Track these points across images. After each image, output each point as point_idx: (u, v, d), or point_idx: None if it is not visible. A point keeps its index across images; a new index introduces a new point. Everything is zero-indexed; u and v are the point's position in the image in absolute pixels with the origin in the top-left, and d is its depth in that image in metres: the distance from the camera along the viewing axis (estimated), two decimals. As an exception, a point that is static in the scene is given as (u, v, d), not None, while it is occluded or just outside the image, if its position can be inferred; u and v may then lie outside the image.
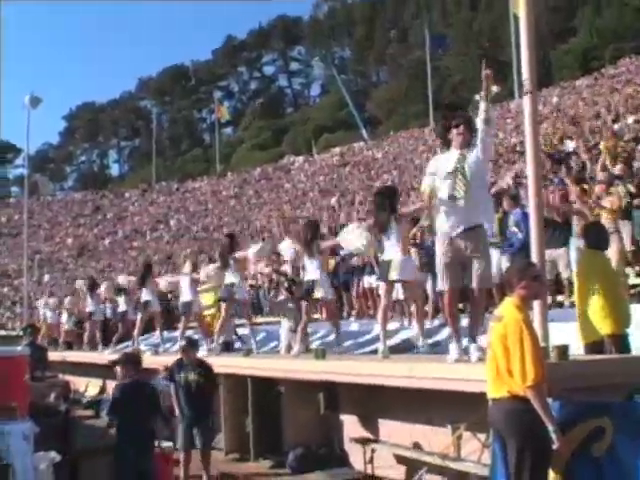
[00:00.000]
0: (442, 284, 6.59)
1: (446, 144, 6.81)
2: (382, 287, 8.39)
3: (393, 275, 8.05)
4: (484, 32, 61.35)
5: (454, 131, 6.59)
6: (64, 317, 19.98)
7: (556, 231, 10.04)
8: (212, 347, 11.77)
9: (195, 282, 12.90)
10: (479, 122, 6.47)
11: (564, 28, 56.31)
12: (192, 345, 9.18)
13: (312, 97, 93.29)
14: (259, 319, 17.60)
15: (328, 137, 65.34)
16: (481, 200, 6.55)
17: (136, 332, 14.59)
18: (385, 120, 66.90)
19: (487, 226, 6.82)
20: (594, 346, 6.29)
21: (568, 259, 10.07)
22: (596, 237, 6.76)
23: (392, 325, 10.13)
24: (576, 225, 9.99)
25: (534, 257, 5.98)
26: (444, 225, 6.52)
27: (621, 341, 6.31)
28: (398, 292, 9.53)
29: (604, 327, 6.19)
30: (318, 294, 9.87)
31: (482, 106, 6.41)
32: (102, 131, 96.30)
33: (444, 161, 6.64)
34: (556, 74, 49.12)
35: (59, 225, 56.60)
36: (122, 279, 16.95)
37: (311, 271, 9.92)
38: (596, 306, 6.23)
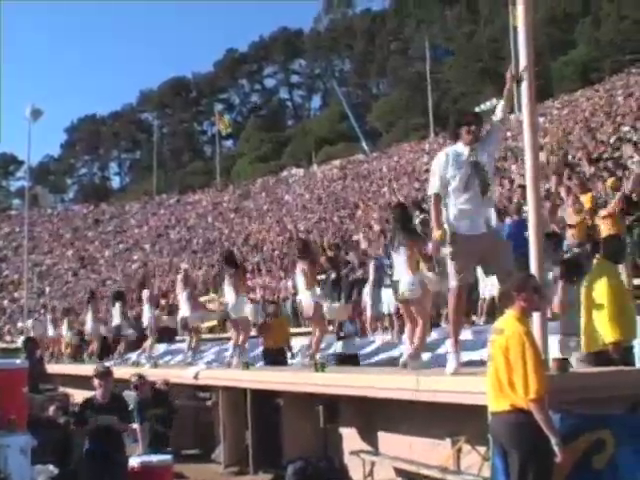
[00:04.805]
0: (452, 280, 6.48)
1: (454, 139, 6.71)
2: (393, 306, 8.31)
3: (402, 294, 7.99)
4: (484, 45, 61.54)
5: (465, 128, 6.53)
6: (64, 330, 19.88)
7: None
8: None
9: (193, 298, 13.13)
10: (495, 119, 6.60)
11: (563, 40, 56.46)
12: None
13: (313, 110, 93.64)
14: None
15: (328, 149, 65.42)
16: (493, 200, 6.70)
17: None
18: (385, 132, 67.03)
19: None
20: (599, 355, 6.24)
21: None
22: (615, 249, 6.72)
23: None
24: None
25: (533, 270, 5.96)
26: (460, 224, 6.40)
27: (626, 351, 6.26)
28: (390, 306, 9.54)
29: (609, 335, 6.14)
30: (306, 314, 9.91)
31: (500, 106, 6.53)
32: (103, 143, 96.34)
33: (453, 159, 6.47)
34: (556, 86, 49.22)
35: (60, 237, 56.56)
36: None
37: (300, 290, 10.02)
38: (603, 314, 6.18)
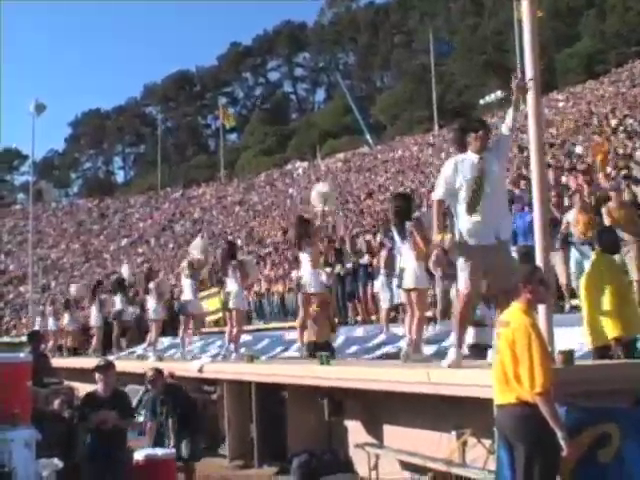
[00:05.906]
0: (462, 286, 6.36)
1: (462, 148, 6.52)
2: (403, 295, 8.31)
3: (405, 283, 7.99)
4: (489, 38, 61.39)
5: (472, 135, 6.39)
6: (65, 319, 19.69)
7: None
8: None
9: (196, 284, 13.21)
10: (505, 128, 6.43)
11: (568, 33, 56.31)
12: None
13: (317, 103, 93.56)
14: (262, 325, 17.63)
15: (333, 143, 65.34)
16: (503, 211, 6.47)
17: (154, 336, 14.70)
18: (390, 125, 66.93)
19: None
20: (603, 349, 6.22)
21: (564, 264, 10.05)
22: (609, 241, 6.70)
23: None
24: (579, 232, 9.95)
25: (538, 262, 5.93)
26: (468, 234, 6.27)
27: (630, 345, 6.24)
28: (400, 296, 9.55)
29: (612, 330, 6.12)
30: (309, 289, 10.08)
31: (511, 114, 6.35)
32: (107, 137, 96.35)
33: (462, 168, 6.33)
34: (561, 78, 49.10)
35: (64, 231, 56.65)
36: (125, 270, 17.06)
37: (303, 266, 10.22)
38: (606, 309, 6.16)
